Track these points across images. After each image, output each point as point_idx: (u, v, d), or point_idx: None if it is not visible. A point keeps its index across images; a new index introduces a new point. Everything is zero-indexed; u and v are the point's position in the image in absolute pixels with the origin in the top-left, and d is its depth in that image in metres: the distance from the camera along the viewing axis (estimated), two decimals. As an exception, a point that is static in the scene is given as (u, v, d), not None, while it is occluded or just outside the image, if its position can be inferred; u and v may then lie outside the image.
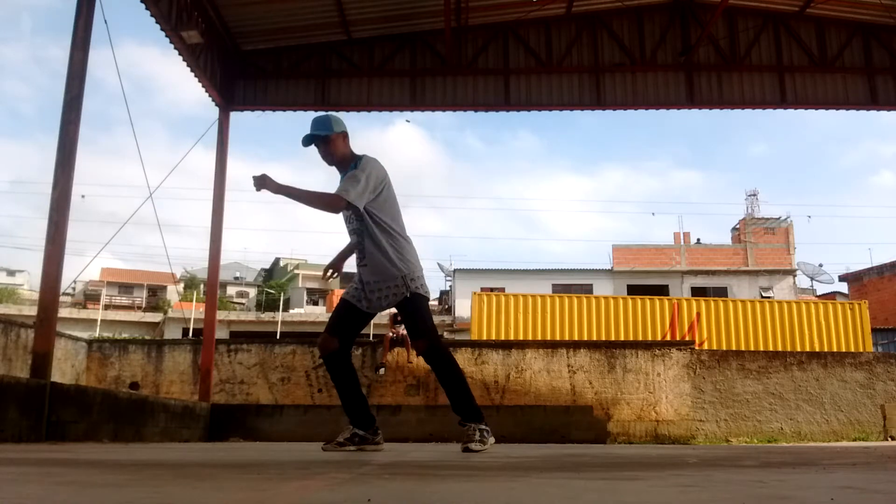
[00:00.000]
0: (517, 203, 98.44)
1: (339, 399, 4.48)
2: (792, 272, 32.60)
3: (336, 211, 4.18)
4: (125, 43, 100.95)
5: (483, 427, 4.31)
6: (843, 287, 33.81)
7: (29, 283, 53.98)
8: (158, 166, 11.70)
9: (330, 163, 4.33)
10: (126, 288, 53.50)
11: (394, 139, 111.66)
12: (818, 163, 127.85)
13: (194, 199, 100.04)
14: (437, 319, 35.53)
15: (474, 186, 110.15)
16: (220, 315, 22.80)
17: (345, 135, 4.36)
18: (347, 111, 12.58)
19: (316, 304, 50.60)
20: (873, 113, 13.01)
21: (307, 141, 4.31)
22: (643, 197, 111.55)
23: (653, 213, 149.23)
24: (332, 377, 4.50)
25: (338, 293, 47.66)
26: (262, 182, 4.08)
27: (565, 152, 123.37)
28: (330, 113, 4.49)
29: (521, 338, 15.79)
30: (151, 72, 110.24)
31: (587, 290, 29.24)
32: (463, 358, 12.11)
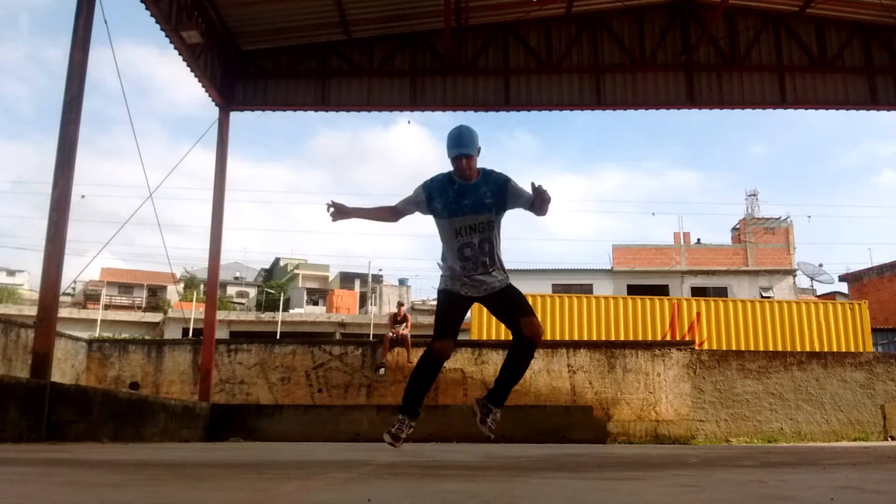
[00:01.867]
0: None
1: (414, 391, 4.46)
2: (792, 272, 32.55)
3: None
4: (123, 42, 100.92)
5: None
6: (843, 287, 33.78)
7: (29, 283, 53.92)
8: (157, 166, 11.81)
9: (468, 177, 4.30)
10: (126, 288, 53.46)
11: (395, 139, 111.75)
12: (818, 163, 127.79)
13: (194, 199, 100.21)
14: (437, 319, 35.54)
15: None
16: (220, 315, 22.79)
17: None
18: (347, 111, 12.62)
19: (316, 304, 50.55)
20: (873, 113, 13.01)
21: (457, 154, 4.27)
22: (643, 197, 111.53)
23: (653, 213, 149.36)
24: (426, 374, 4.46)
25: (338, 293, 47.59)
26: (546, 198, 4.04)
27: (562, 152, 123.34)
28: (470, 127, 4.43)
29: (521, 338, 15.72)
30: (148, 71, 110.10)
31: (587, 290, 29.17)
32: (463, 358, 12.11)
